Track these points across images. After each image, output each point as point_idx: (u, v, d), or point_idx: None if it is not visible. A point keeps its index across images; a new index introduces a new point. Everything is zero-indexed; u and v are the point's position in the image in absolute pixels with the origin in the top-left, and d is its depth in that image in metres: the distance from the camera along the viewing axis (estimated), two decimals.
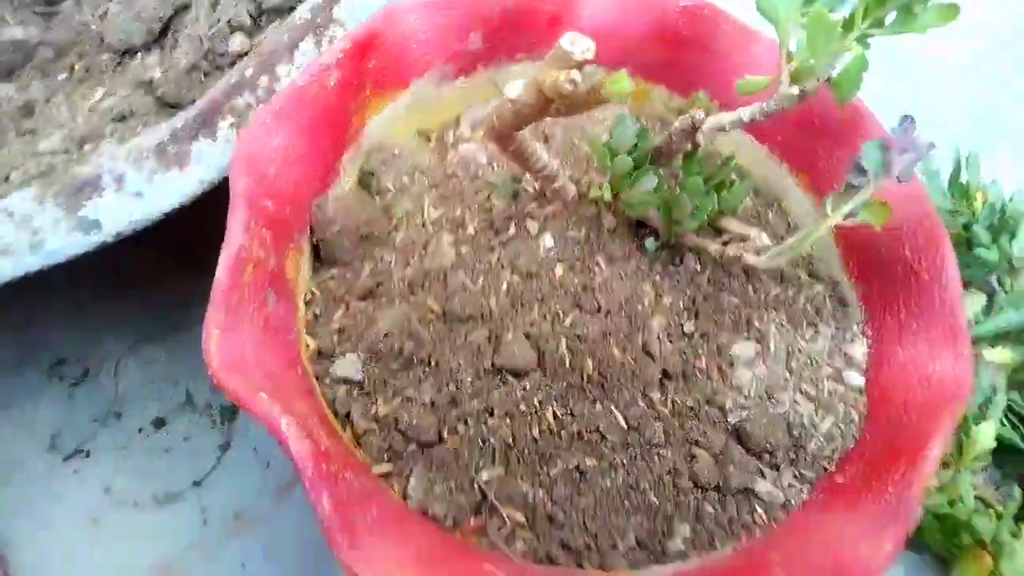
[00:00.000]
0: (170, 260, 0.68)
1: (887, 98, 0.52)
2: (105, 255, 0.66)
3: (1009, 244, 0.76)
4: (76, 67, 0.59)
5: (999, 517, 0.64)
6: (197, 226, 0.65)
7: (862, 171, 0.42)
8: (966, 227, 0.76)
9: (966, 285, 0.79)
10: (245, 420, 0.64)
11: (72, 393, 0.64)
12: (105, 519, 0.59)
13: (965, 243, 0.76)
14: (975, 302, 0.72)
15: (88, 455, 0.61)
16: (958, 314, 0.45)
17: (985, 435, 0.65)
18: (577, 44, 0.31)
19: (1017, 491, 0.67)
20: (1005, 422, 0.68)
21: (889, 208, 0.41)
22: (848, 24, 0.39)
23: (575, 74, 0.31)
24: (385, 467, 0.44)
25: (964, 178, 0.79)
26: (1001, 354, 0.71)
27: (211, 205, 0.50)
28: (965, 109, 0.93)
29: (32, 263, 0.46)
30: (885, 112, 0.50)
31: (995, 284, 0.81)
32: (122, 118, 0.53)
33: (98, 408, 0.63)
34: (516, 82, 0.34)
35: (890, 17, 0.40)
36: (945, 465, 0.63)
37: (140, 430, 0.62)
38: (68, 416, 0.63)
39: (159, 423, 0.63)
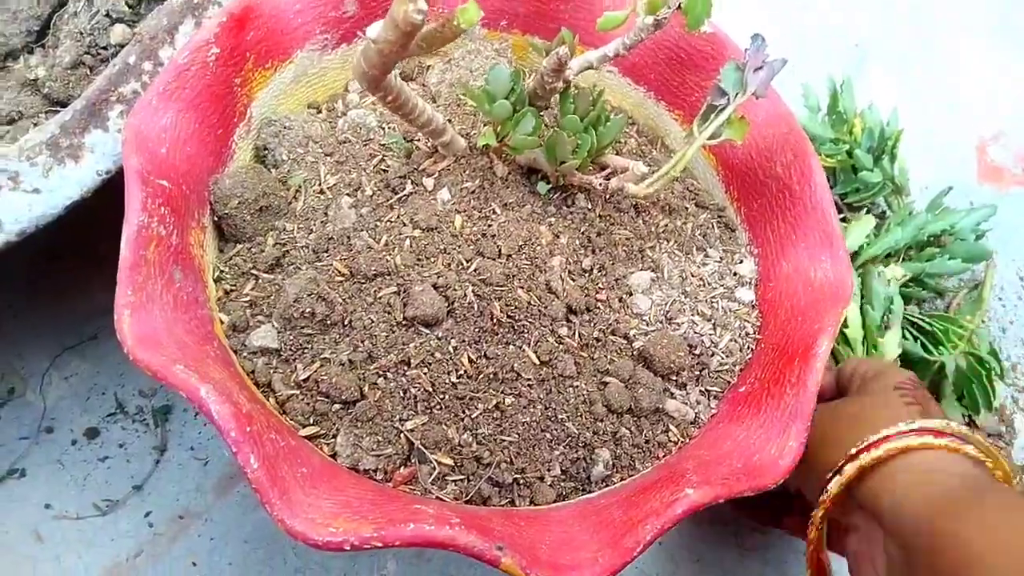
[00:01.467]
0: (87, 271, 0.67)
1: (770, 35, 0.55)
2: (19, 269, 0.65)
3: (891, 165, 0.81)
4: None
5: None
6: (113, 234, 0.65)
7: (722, 92, 0.45)
8: (849, 153, 0.81)
9: (856, 209, 0.84)
10: (179, 421, 0.64)
11: None
12: (50, 534, 0.59)
13: (851, 169, 0.80)
14: (866, 224, 0.76)
15: (23, 474, 0.61)
16: (830, 219, 0.49)
17: (891, 344, 0.70)
18: None
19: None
20: (907, 335, 0.73)
21: (747, 123, 0.45)
22: None
23: (421, 4, 0.33)
24: (311, 429, 0.45)
25: (842, 106, 0.84)
26: (893, 270, 0.76)
27: (119, 211, 0.50)
28: (840, 37, 0.98)
29: None
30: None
31: (884, 205, 0.86)
32: (11, 120, 0.53)
33: (28, 426, 0.62)
34: (376, 23, 0.36)
35: None
36: None
37: (74, 442, 0.62)
38: None
39: (92, 433, 0.63)
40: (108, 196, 0.49)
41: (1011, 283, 0.86)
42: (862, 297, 0.72)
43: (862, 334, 0.69)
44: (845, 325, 0.69)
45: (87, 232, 0.67)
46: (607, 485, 0.47)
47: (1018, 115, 0.96)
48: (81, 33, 0.55)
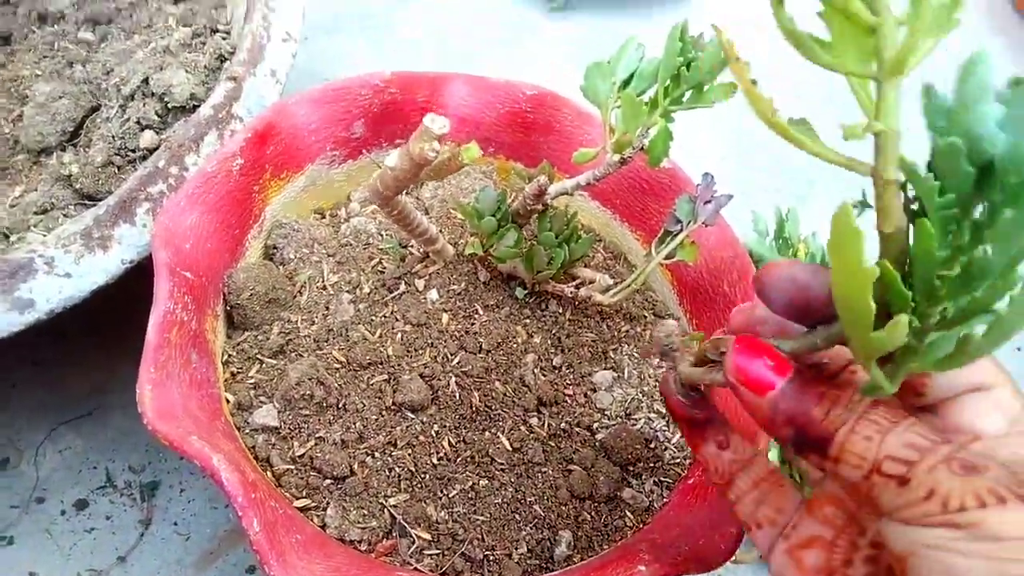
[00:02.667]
0: (88, 351, 0.72)
1: (725, 166, 0.64)
2: (26, 345, 0.70)
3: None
4: None
5: None
6: (113, 315, 0.70)
7: (676, 220, 0.53)
8: None
9: None
10: (165, 497, 0.67)
11: None
12: None
13: None
14: None
15: (11, 541, 0.63)
16: None
17: None
18: (436, 122, 0.41)
19: None
20: None
21: (697, 247, 0.52)
22: (653, 103, 0.50)
23: (436, 144, 0.40)
24: (304, 501, 0.50)
25: (787, 232, 0.93)
26: None
27: (126, 297, 0.55)
28: (789, 171, 1.09)
29: None
30: (725, 181, 0.61)
31: None
32: (44, 211, 0.58)
33: (20, 495, 0.65)
34: (393, 152, 0.43)
35: (686, 96, 0.51)
36: None
37: (63, 513, 0.65)
38: None
39: (81, 505, 0.66)
40: (113, 283, 0.55)
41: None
42: None
43: None
44: None
45: (89, 314, 0.72)
46: (568, 564, 0.52)
47: None
48: (113, 136, 0.62)
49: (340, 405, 0.52)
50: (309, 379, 0.52)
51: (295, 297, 0.57)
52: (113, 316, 0.72)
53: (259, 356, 0.54)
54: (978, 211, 0.22)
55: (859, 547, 0.32)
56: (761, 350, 0.30)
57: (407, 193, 0.65)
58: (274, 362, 0.54)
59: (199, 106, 0.61)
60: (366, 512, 0.50)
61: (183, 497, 0.67)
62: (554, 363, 0.57)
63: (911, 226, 0.24)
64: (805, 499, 0.35)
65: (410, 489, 0.51)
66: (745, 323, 0.34)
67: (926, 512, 0.25)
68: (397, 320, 0.56)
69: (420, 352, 0.54)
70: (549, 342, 0.58)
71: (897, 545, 0.26)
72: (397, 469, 0.51)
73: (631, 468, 0.56)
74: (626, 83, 0.52)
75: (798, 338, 0.30)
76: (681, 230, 0.54)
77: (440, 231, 0.58)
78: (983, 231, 0.22)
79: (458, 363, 0.54)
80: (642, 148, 0.51)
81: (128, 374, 0.70)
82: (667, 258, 0.54)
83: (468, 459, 0.52)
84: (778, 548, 0.35)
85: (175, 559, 0.64)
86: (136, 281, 0.57)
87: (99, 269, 0.54)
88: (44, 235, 0.53)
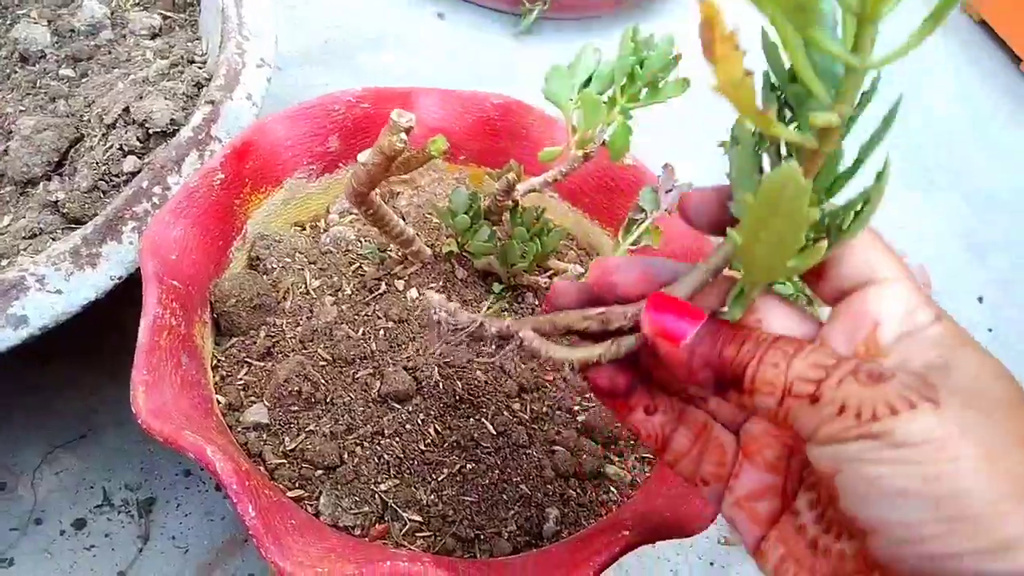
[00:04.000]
0: (78, 374, 0.74)
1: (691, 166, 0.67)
2: (14, 371, 0.71)
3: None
4: None
5: None
6: (101, 340, 0.72)
7: (641, 209, 0.56)
8: None
9: None
10: (162, 512, 0.69)
11: None
12: None
13: None
14: None
15: (11, 563, 0.64)
16: None
17: None
18: (403, 116, 0.44)
19: None
20: None
21: (661, 231, 0.55)
22: (612, 101, 0.54)
23: (403, 135, 0.43)
24: (297, 492, 0.52)
25: None
26: None
27: (112, 323, 0.57)
28: None
29: None
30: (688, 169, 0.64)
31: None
32: (33, 235, 0.60)
33: (18, 518, 0.66)
34: (365, 150, 0.46)
35: (643, 93, 0.54)
36: None
37: (62, 532, 0.66)
38: None
39: (80, 524, 0.67)
40: (99, 305, 0.57)
41: None
42: None
43: None
44: None
45: (79, 338, 0.74)
46: (557, 539, 0.54)
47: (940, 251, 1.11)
48: (97, 163, 0.65)
49: (328, 400, 0.54)
50: (297, 376, 0.54)
51: (279, 303, 0.59)
52: (101, 341, 0.74)
53: (247, 359, 0.56)
54: None
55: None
56: (671, 303, 0.32)
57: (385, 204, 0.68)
58: (262, 364, 0.56)
59: (179, 130, 0.64)
60: (358, 499, 0.52)
61: (180, 511, 0.68)
62: None
63: None
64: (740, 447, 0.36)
65: (399, 475, 0.53)
66: (601, 275, 0.36)
67: (842, 427, 0.26)
68: (379, 318, 0.58)
69: (403, 346, 0.57)
70: None
71: (822, 466, 0.27)
72: (386, 456, 0.53)
73: (613, 447, 0.59)
74: (585, 84, 0.56)
75: (684, 280, 0.33)
76: (646, 218, 0.58)
77: (417, 234, 0.60)
78: None
79: (440, 355, 0.57)
80: (604, 144, 0.55)
81: (119, 395, 0.72)
82: (634, 244, 0.57)
83: (454, 444, 0.54)
84: (726, 502, 0.36)
85: (175, 572, 0.66)
86: (121, 308, 0.59)
87: (89, 285, 0.56)
88: (34, 257, 0.55)
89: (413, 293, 0.59)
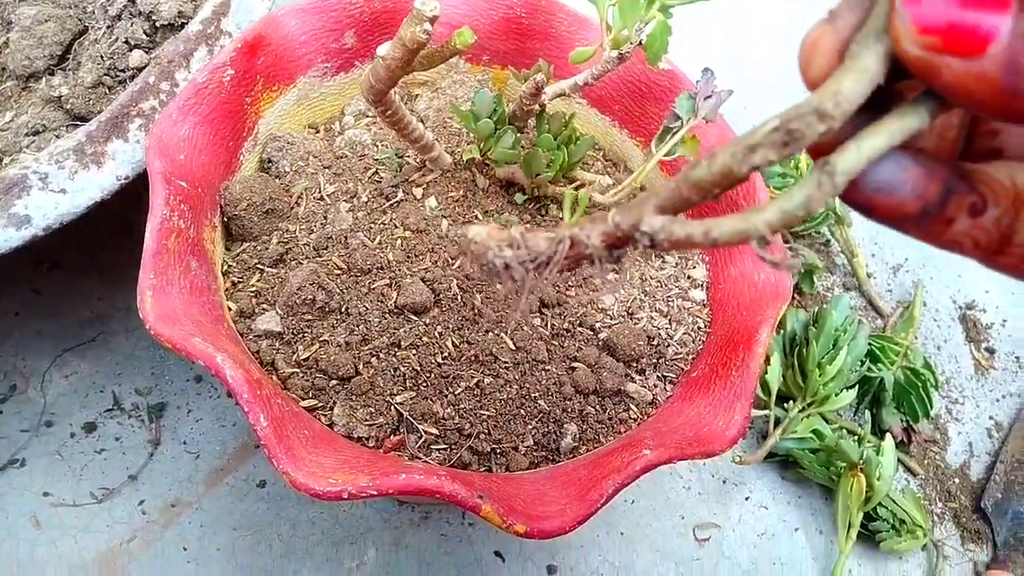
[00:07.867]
0: (87, 279, 0.72)
1: (724, 65, 0.63)
2: (23, 275, 0.70)
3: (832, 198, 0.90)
4: None
5: (860, 440, 0.75)
6: (111, 250, 0.70)
7: (676, 116, 0.53)
8: None
9: (801, 237, 0.93)
10: (173, 418, 0.68)
11: (0, 408, 0.66)
12: (47, 520, 0.62)
13: None
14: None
15: (23, 464, 0.64)
16: None
17: (839, 362, 0.76)
18: (427, 4, 0.40)
19: (868, 414, 0.80)
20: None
21: (698, 141, 0.52)
22: None
23: (427, 26, 0.40)
24: (310, 402, 0.50)
25: None
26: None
27: (120, 229, 0.55)
28: (794, 83, 1.07)
29: None
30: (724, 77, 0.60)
31: (828, 234, 0.95)
32: (36, 132, 0.58)
33: (29, 420, 0.66)
34: (386, 43, 0.43)
35: None
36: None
37: (72, 435, 0.66)
38: None
39: (90, 427, 0.66)
40: (107, 211, 0.55)
41: (945, 307, 0.94)
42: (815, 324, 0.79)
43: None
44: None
45: (87, 243, 0.73)
46: (574, 455, 0.53)
47: None
48: (102, 57, 0.61)
49: (343, 309, 0.52)
50: (310, 284, 0.52)
51: (292, 208, 0.57)
52: (109, 246, 0.72)
53: (259, 265, 0.54)
54: None
55: None
56: None
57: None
58: (274, 271, 0.54)
59: (187, 23, 0.60)
60: (373, 410, 0.50)
61: (191, 417, 0.68)
62: None
63: None
64: None
65: (415, 387, 0.52)
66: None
67: None
68: (396, 227, 0.56)
69: (420, 257, 0.55)
70: None
71: None
72: (402, 369, 0.52)
73: (634, 364, 0.57)
74: None
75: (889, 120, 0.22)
76: (681, 126, 0.54)
77: (436, 140, 0.57)
78: None
79: (459, 267, 0.54)
80: (640, 44, 0.51)
81: (128, 302, 0.71)
82: (668, 154, 0.54)
83: (472, 358, 0.53)
84: None
85: (186, 476, 0.65)
86: (129, 213, 0.57)
87: (94, 185, 0.53)
88: (36, 155, 0.53)
89: (432, 202, 0.57)
